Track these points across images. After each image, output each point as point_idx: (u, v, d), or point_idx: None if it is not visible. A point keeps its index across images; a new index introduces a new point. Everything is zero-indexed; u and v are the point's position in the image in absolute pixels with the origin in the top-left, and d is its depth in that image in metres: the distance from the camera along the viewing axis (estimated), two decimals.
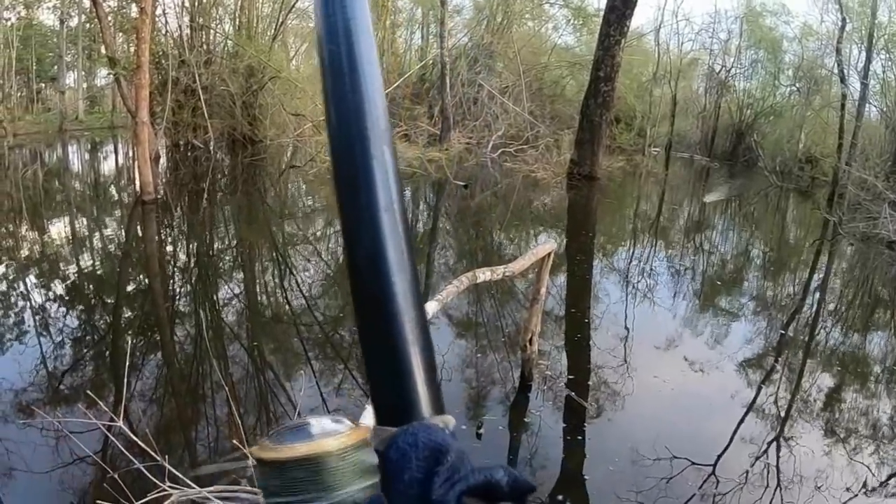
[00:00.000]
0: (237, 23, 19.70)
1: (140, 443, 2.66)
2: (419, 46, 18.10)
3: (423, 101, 16.16)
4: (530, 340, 4.38)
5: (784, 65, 30.23)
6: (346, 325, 5.79)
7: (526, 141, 16.31)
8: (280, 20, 19.02)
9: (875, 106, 23.77)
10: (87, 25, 24.56)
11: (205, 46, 18.64)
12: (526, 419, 4.30)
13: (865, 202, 17.36)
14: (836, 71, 23.57)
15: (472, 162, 14.49)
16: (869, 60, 21.82)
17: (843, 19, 21.82)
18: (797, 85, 29.46)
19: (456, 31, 18.29)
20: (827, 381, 6.65)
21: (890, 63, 23.15)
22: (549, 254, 4.05)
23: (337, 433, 0.49)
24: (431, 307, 2.93)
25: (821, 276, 12.25)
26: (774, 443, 4.93)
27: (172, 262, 7.89)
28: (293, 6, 18.87)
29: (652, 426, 4.66)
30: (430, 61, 16.57)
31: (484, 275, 3.31)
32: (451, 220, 10.29)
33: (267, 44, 18.44)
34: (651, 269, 9.34)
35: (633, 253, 10.25)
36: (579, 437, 4.35)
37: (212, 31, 19.11)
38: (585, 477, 3.91)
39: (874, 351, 8.27)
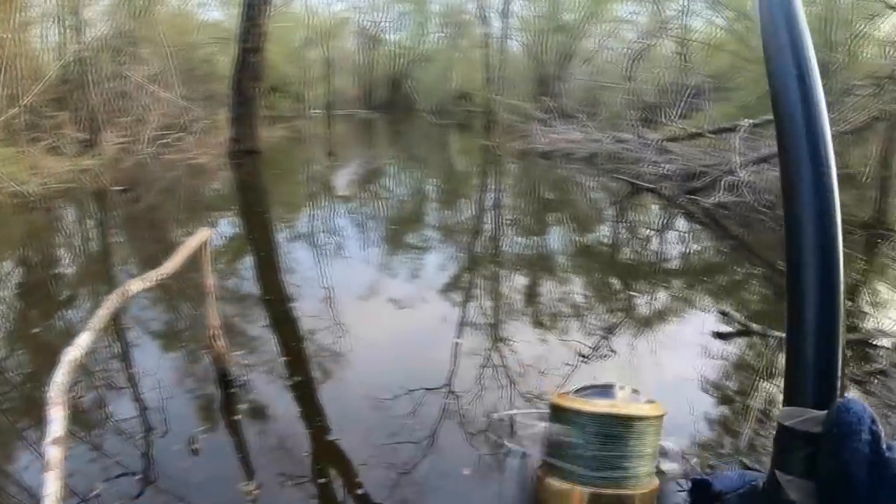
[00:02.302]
0: None
1: None
2: (56, 44, 15.89)
3: (67, 105, 14.35)
4: (214, 336, 4.17)
5: (430, 14, 32.46)
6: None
7: (183, 127, 15.41)
8: None
9: (517, 41, 26.84)
10: None
11: None
12: (237, 417, 4.10)
13: (518, 124, 19.41)
14: (478, 14, 26.16)
15: (130, 162, 13.33)
16: (508, 2, 24.65)
17: None
18: (445, 31, 31.91)
19: (95, 21, 16.44)
20: (522, 280, 7.39)
21: (526, 1, 26.13)
22: (204, 243, 3.84)
23: (640, 401, 0.51)
24: (85, 339, 2.61)
25: (493, 194, 13.46)
26: (494, 347, 5.36)
27: None
28: None
29: (381, 372, 4.80)
30: (71, 59, 14.69)
31: (135, 286, 3.03)
32: (121, 230, 9.40)
33: None
34: (336, 227, 9.44)
35: (313, 216, 10.28)
36: (306, 409, 4.28)
37: None
38: (336, 439, 3.87)
39: (554, 244, 9.36)
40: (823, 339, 0.42)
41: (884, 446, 0.36)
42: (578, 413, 0.51)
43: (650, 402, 0.53)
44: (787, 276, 0.45)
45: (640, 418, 0.51)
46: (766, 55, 0.51)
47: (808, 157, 0.47)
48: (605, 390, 0.53)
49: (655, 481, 0.52)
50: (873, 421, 0.37)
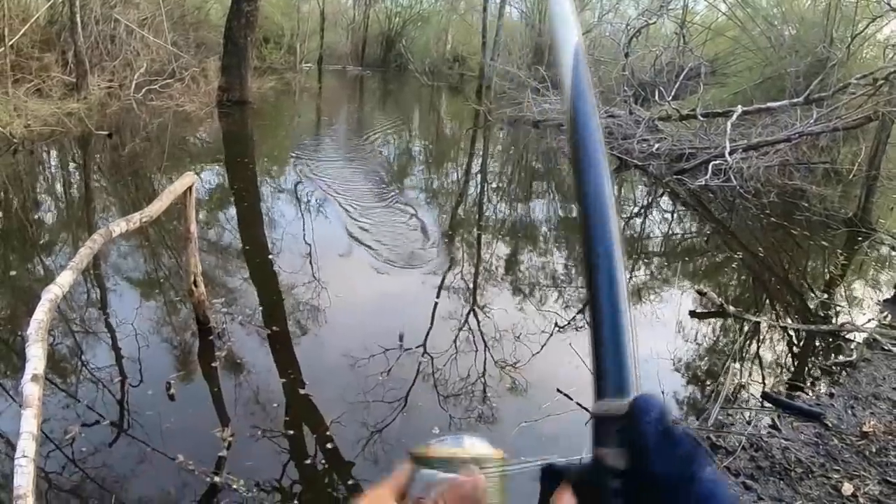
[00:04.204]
0: None
1: None
2: None
3: (53, 47, 13.96)
4: (195, 283, 4.16)
5: None
6: None
7: (171, 74, 15.10)
8: None
9: (516, 7, 26.47)
10: None
11: None
12: (214, 364, 4.12)
13: (510, 91, 19.31)
14: None
15: (116, 107, 13.09)
16: None
17: None
18: None
19: None
20: (504, 249, 7.44)
21: None
22: (189, 188, 3.81)
23: (484, 446, 0.61)
24: (66, 277, 2.60)
25: (480, 160, 13.44)
26: (472, 312, 5.44)
27: None
28: None
29: (358, 330, 4.82)
30: (59, 0, 14.28)
31: (119, 227, 3.01)
32: (104, 175, 9.27)
33: None
34: (319, 181, 9.34)
35: (298, 169, 10.18)
36: (282, 361, 4.31)
37: None
38: (310, 394, 3.92)
39: (537, 214, 9.38)
40: (617, 348, 0.55)
41: (669, 421, 0.49)
42: (428, 458, 0.61)
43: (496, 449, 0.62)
44: (588, 303, 0.59)
45: (483, 459, 0.60)
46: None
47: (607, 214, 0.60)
48: (456, 439, 0.63)
49: None
50: (661, 408, 0.50)
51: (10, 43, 11.71)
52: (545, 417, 3.89)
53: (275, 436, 3.52)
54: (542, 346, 4.89)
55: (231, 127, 13.50)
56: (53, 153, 10.14)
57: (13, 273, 5.49)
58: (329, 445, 3.50)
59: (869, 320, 6.13)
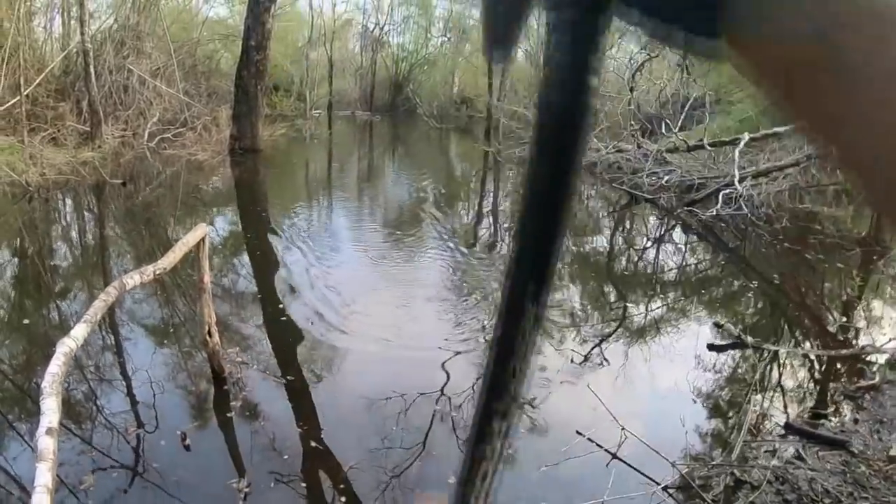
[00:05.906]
0: None
1: None
2: (60, 34, 15.88)
3: (68, 96, 14.22)
4: (209, 333, 4.15)
5: (434, 18, 32.77)
6: None
7: (184, 123, 15.36)
8: None
9: (520, 47, 26.84)
10: None
11: None
12: (230, 414, 4.09)
13: (518, 130, 19.42)
14: None
15: (130, 156, 13.30)
16: None
17: None
18: (448, 35, 32.17)
19: (99, 13, 16.43)
20: None
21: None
22: (202, 239, 3.84)
23: None
24: (80, 331, 2.61)
25: (490, 200, 13.47)
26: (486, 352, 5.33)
27: None
28: None
29: (375, 373, 4.85)
30: (74, 50, 14.59)
31: (133, 280, 3.02)
32: (119, 223, 9.37)
33: None
34: (333, 227, 9.37)
35: (312, 216, 10.22)
36: (298, 409, 4.28)
37: None
38: (328, 440, 3.87)
39: None
40: None
41: None
42: None
43: None
44: None
45: None
46: None
47: None
48: None
49: None
50: None
51: (26, 93, 11.95)
52: (566, 460, 3.80)
53: (291, 485, 3.47)
54: (562, 383, 4.83)
55: (243, 175, 13.64)
56: (68, 201, 10.27)
57: (27, 321, 5.52)
58: (347, 493, 3.44)
59: (889, 340, 6.02)
